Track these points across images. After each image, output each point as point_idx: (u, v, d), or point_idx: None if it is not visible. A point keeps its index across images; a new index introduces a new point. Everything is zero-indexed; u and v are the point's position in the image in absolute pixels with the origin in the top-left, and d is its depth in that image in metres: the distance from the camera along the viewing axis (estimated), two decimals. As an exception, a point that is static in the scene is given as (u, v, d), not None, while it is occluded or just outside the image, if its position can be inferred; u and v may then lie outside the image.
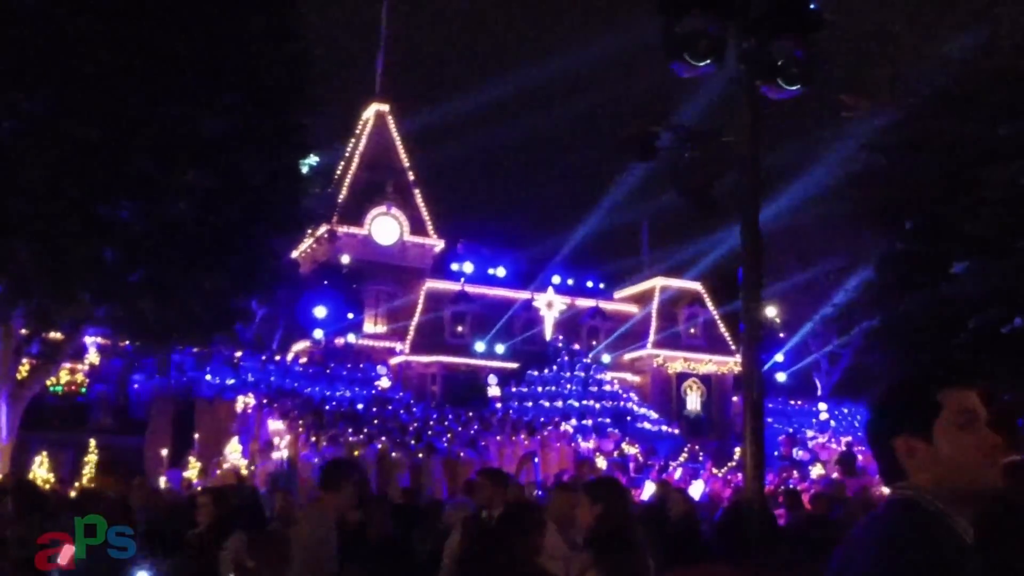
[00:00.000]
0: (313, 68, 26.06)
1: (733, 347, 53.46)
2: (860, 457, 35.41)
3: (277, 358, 44.38)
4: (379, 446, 30.66)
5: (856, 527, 3.00)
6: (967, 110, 25.15)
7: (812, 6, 8.72)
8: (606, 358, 52.37)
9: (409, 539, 11.96)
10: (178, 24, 21.26)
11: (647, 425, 43.56)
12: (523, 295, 54.86)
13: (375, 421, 34.07)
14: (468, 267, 55.48)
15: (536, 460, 28.79)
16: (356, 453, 29.84)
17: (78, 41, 20.28)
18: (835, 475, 30.72)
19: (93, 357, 36.64)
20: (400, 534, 11.93)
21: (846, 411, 54.00)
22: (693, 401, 54.60)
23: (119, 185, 21.44)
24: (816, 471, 34.43)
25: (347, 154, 55.99)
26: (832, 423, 51.08)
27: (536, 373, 46.81)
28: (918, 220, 26.06)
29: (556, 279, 56.72)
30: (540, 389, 45.30)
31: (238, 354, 38.93)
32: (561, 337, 51.41)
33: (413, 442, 31.51)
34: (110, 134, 20.65)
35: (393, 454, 30.56)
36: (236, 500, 11.65)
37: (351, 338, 49.57)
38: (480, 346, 51.26)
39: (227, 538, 8.65)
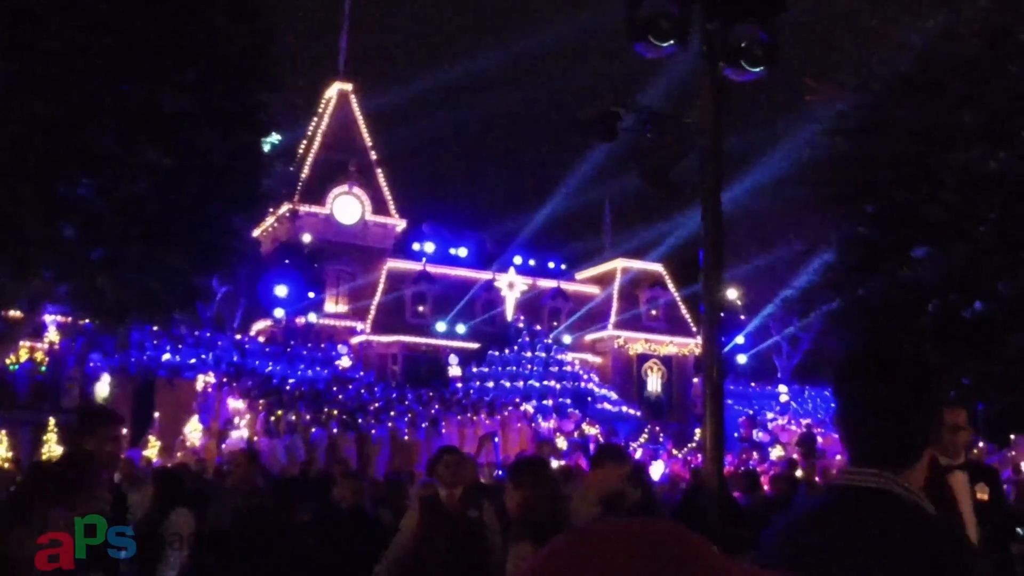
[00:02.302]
0: (276, 46, 25.89)
1: (694, 329, 53.62)
2: (820, 439, 35.65)
3: (238, 337, 44.25)
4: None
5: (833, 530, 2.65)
6: (929, 96, 25.27)
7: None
8: (567, 339, 52.51)
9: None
10: (139, -1, 21.10)
11: (607, 406, 43.77)
12: (484, 275, 54.93)
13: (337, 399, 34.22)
14: (429, 247, 55.51)
15: (496, 440, 28.80)
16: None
17: (36, 15, 20.08)
18: (795, 456, 30.91)
19: (53, 336, 36.41)
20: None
21: (807, 394, 54.36)
22: (653, 382, 54.78)
23: (78, 162, 21.25)
24: (776, 453, 34.66)
25: (309, 133, 55.87)
26: (793, 405, 51.42)
27: (497, 353, 46.93)
28: (879, 205, 26.17)
29: (518, 260, 56.82)
30: (501, 369, 45.44)
31: (197, 333, 38.80)
32: (522, 318, 51.53)
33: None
34: (69, 110, 20.46)
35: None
36: (185, 480, 11.66)
37: (312, 317, 49.47)
38: (441, 326, 51.26)
39: (169, 515, 8.70)
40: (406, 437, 32.00)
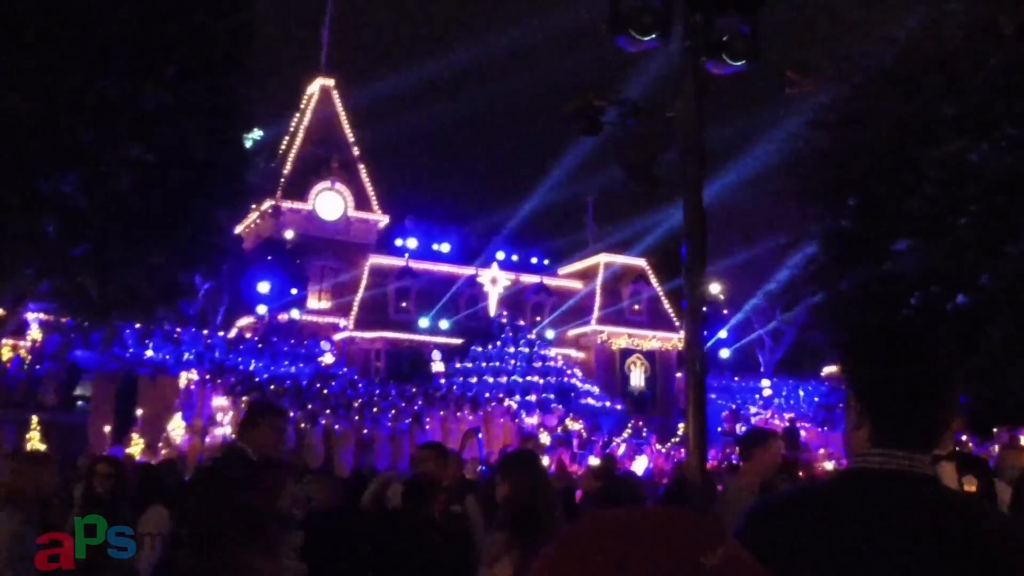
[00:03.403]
0: (257, 41, 25.87)
1: (677, 323, 53.60)
2: (803, 433, 35.69)
3: (220, 333, 44.15)
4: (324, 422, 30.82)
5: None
6: (910, 89, 25.33)
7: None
8: (550, 334, 52.45)
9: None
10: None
11: (591, 401, 43.75)
12: (467, 271, 54.86)
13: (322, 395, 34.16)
14: (412, 243, 55.42)
15: (480, 436, 28.76)
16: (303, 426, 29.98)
17: (14, 11, 20.00)
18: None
19: (36, 333, 36.27)
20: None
21: (790, 389, 54.39)
22: (637, 377, 54.78)
23: (60, 159, 21.19)
24: (758, 447, 34.64)
25: (292, 129, 55.75)
26: (776, 400, 51.47)
27: (480, 349, 46.83)
28: (860, 198, 26.24)
29: (500, 255, 56.74)
30: (484, 365, 45.35)
31: (180, 330, 38.71)
32: (505, 313, 51.41)
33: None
34: (49, 106, 20.40)
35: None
36: (166, 478, 11.62)
37: (295, 314, 49.33)
38: (424, 322, 51.20)
39: (145, 512, 8.69)
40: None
